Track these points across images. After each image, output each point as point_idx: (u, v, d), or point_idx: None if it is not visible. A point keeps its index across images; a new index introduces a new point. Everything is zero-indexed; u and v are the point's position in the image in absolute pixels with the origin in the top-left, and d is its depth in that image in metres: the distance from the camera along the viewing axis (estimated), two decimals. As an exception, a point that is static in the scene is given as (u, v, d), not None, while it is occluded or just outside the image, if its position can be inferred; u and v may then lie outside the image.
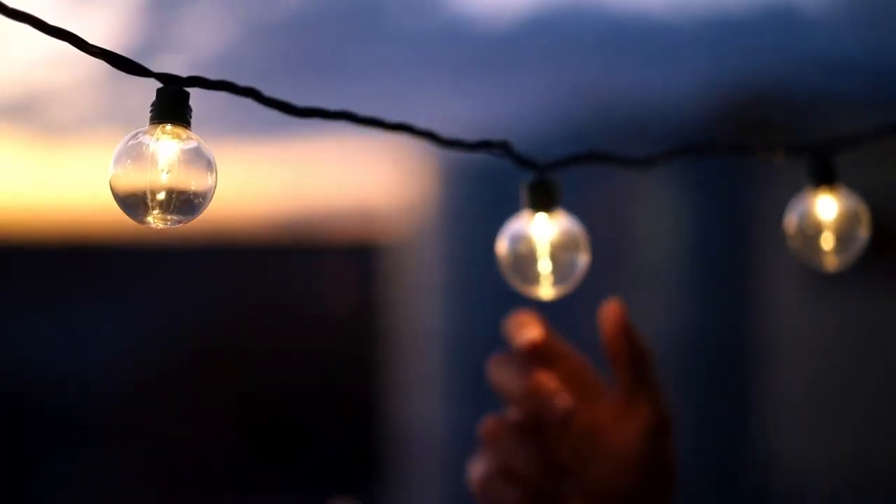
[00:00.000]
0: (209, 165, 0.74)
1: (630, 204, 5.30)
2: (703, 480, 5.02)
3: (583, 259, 0.92)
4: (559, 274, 0.91)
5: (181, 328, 7.32)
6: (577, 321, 5.45)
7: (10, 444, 6.80)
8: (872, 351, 4.99)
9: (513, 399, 0.98)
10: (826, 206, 0.98)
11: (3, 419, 6.91)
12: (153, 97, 0.75)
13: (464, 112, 5.50)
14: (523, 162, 0.90)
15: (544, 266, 0.91)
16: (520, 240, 0.91)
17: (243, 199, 7.19)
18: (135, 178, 0.72)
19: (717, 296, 5.26)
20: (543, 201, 0.90)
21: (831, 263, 0.99)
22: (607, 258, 5.18)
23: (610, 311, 0.98)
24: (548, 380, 0.96)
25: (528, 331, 0.98)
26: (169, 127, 0.74)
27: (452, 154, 5.38)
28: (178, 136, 0.74)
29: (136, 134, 0.73)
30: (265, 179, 7.23)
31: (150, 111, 0.74)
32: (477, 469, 0.99)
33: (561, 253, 0.91)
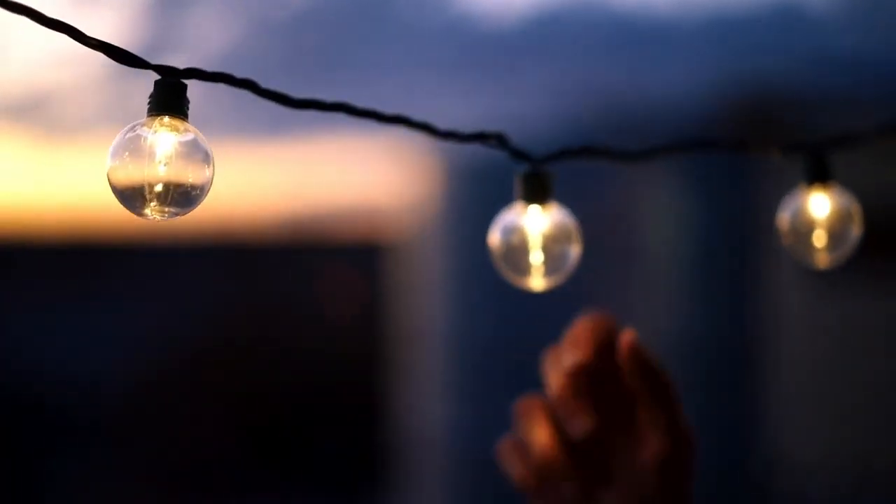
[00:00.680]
0: (206, 157, 0.74)
1: (633, 205, 5.30)
2: (706, 480, 5.02)
3: (575, 251, 0.92)
4: (551, 265, 0.92)
5: (184, 328, 7.32)
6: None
7: (13, 442, 6.81)
8: (873, 350, 4.99)
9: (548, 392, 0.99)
10: (819, 204, 0.98)
11: (4, 418, 6.92)
12: (155, 94, 0.75)
13: (467, 110, 5.50)
14: (518, 154, 0.91)
15: (536, 257, 0.91)
16: (512, 231, 0.91)
17: (247, 198, 7.19)
18: (132, 171, 0.72)
19: (720, 296, 5.26)
20: (537, 193, 0.91)
21: (823, 261, 1.00)
22: (611, 259, 5.18)
23: (626, 341, 0.96)
24: (572, 395, 0.97)
25: (574, 352, 0.98)
26: (167, 119, 0.74)
27: (456, 153, 5.40)
28: (176, 129, 0.74)
29: (134, 126, 0.73)
30: (269, 179, 7.23)
31: (148, 103, 0.74)
32: (503, 440, 1.00)
33: (553, 245, 0.91)
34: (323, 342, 7.39)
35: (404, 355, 5.91)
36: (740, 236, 5.20)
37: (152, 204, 0.72)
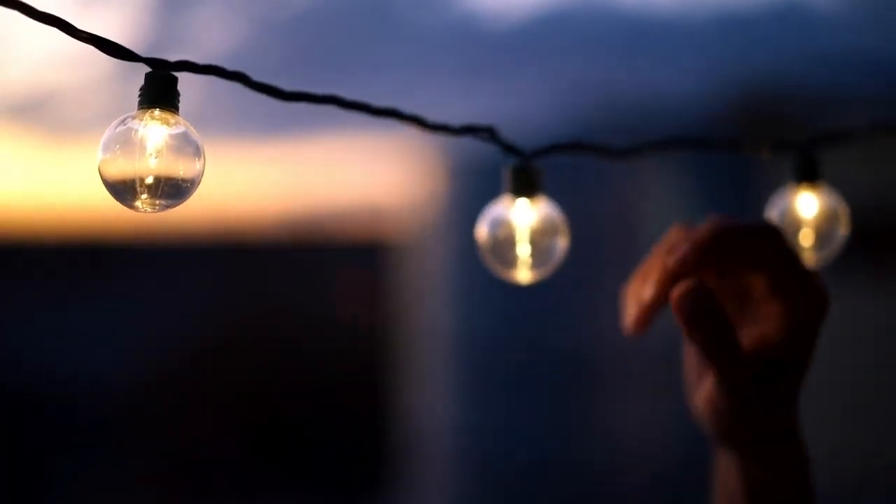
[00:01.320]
0: (197, 150, 0.74)
1: (634, 204, 5.30)
2: (708, 479, 5.02)
3: (562, 244, 0.93)
4: (538, 258, 0.92)
5: (186, 328, 7.33)
6: (582, 320, 5.43)
7: (15, 442, 6.82)
8: (873, 349, 4.99)
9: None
10: (806, 203, 0.98)
11: (8, 417, 6.93)
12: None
13: (472, 109, 5.51)
14: (509, 148, 0.92)
15: (523, 250, 0.92)
16: (500, 224, 0.92)
17: (250, 198, 7.20)
18: (123, 163, 0.73)
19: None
20: (525, 187, 0.91)
21: (810, 260, 1.01)
22: (611, 258, 5.18)
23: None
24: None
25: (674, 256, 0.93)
26: (157, 112, 0.74)
27: (458, 152, 5.39)
28: (167, 122, 0.74)
29: (125, 119, 0.74)
30: (272, 179, 7.24)
31: (139, 96, 0.75)
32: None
33: (540, 238, 0.92)
34: (325, 342, 7.40)
35: (407, 355, 5.91)
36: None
37: (143, 196, 0.73)
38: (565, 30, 6.11)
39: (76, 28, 0.74)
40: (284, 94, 0.81)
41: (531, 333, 5.25)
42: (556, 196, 0.94)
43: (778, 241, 0.86)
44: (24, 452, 6.70)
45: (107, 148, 0.73)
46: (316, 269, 7.70)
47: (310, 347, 7.38)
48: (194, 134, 0.75)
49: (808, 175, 0.95)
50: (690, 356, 0.94)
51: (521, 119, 5.16)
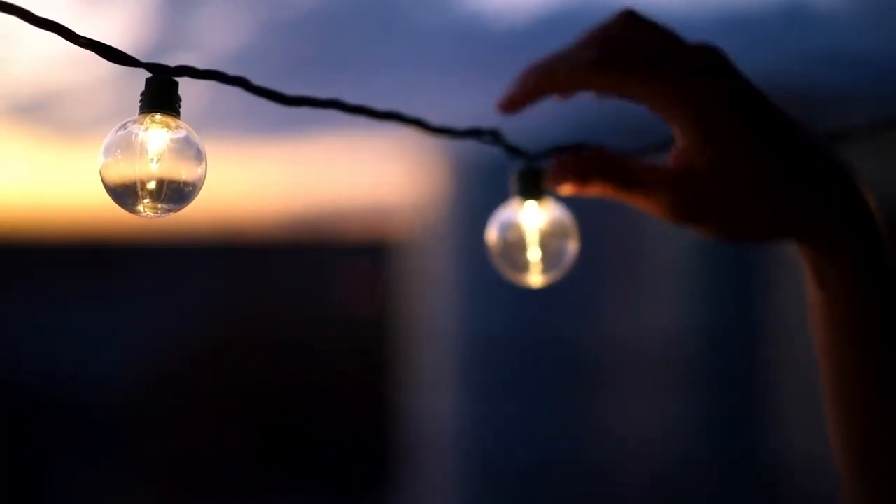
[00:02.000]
0: (199, 154, 0.74)
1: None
2: (713, 478, 5.02)
3: (572, 247, 0.93)
4: (548, 262, 0.92)
5: (190, 327, 7.34)
6: (585, 319, 5.42)
7: (19, 442, 6.82)
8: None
9: None
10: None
11: (11, 417, 6.94)
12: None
13: (477, 109, 5.50)
14: (513, 150, 0.92)
15: (534, 254, 0.92)
16: (509, 228, 0.92)
17: (255, 198, 7.20)
18: (125, 168, 0.73)
19: (726, 293, 5.25)
20: (533, 189, 0.91)
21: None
22: (616, 257, 5.18)
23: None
24: None
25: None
26: (158, 116, 0.74)
27: (464, 151, 5.40)
28: (168, 126, 0.74)
29: (126, 123, 0.74)
30: (277, 178, 7.24)
31: (140, 101, 0.75)
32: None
33: (550, 241, 0.92)
34: (328, 342, 7.40)
35: (412, 353, 5.91)
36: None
37: (145, 201, 0.73)
38: (569, 29, 6.10)
39: (76, 34, 0.73)
40: (286, 98, 0.81)
41: (534, 333, 5.25)
42: (559, 196, 0.94)
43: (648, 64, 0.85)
44: (27, 453, 6.71)
45: (108, 152, 0.73)
46: (319, 269, 7.70)
47: (313, 347, 7.38)
48: (196, 138, 0.75)
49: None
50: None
51: (524, 119, 5.15)
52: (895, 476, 0.88)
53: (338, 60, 6.23)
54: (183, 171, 0.73)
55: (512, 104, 0.90)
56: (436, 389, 5.66)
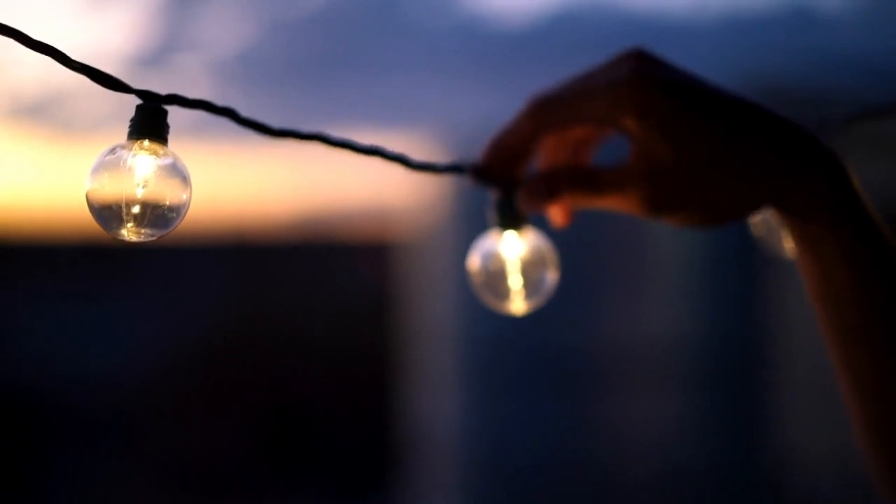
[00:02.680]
0: (184, 181, 0.76)
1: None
2: (717, 478, 5.03)
3: (551, 275, 0.94)
4: (529, 289, 0.94)
5: (194, 327, 7.35)
6: (587, 319, 5.41)
7: (22, 441, 6.84)
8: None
9: None
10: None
11: (14, 417, 6.96)
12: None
13: (481, 110, 5.52)
14: (494, 185, 0.93)
15: (515, 282, 0.93)
16: (490, 258, 0.94)
17: (258, 198, 7.22)
18: (111, 192, 0.74)
19: (729, 295, 5.26)
20: (511, 220, 0.93)
21: (792, 251, 1.02)
22: (618, 260, 5.19)
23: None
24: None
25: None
26: (147, 143, 0.76)
27: (466, 153, 5.40)
28: (156, 153, 0.76)
29: (115, 148, 0.76)
30: (280, 179, 7.25)
31: (129, 127, 0.76)
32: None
33: (530, 269, 0.93)
34: (332, 341, 7.41)
35: (414, 354, 5.92)
36: (749, 236, 5.20)
37: (129, 225, 0.75)
38: (576, 31, 6.11)
39: (69, 58, 0.75)
40: (272, 130, 0.84)
41: (537, 333, 5.26)
42: (541, 220, 0.95)
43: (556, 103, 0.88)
44: (30, 452, 6.73)
45: (95, 176, 0.75)
46: (321, 270, 7.71)
47: (314, 348, 7.40)
48: (182, 165, 0.77)
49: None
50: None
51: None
52: None
53: (340, 61, 6.24)
54: (168, 197, 0.75)
55: (483, 179, 0.94)
56: (438, 391, 5.66)
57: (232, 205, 6.94)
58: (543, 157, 0.95)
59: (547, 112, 0.89)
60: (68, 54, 0.75)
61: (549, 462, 5.25)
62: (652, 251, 5.28)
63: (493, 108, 5.82)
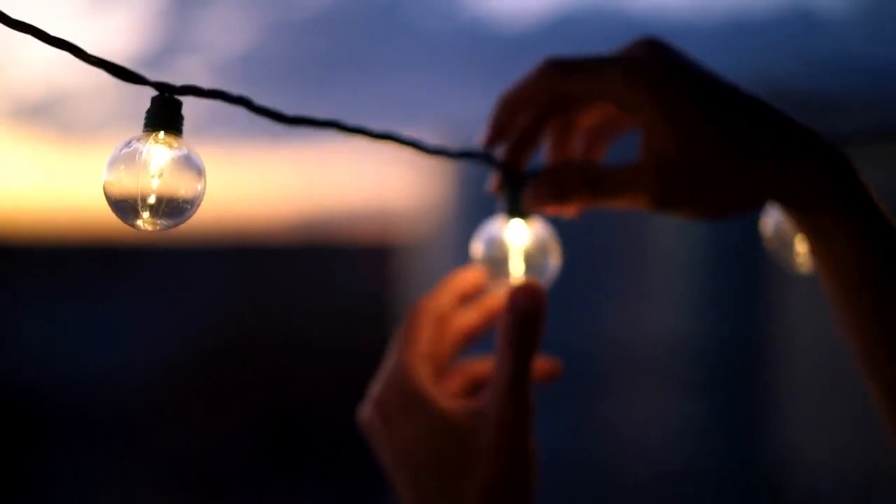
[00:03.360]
0: (199, 173, 0.77)
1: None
2: (717, 479, 5.03)
3: (553, 263, 0.95)
4: (531, 276, 0.95)
5: (197, 327, 7.35)
6: (588, 319, 5.41)
7: (22, 441, 6.84)
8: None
9: None
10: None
11: (16, 416, 6.96)
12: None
13: (482, 112, 5.52)
14: (505, 172, 0.94)
15: (517, 269, 0.94)
16: (494, 244, 0.95)
17: (260, 200, 7.22)
18: (127, 184, 0.76)
19: (729, 295, 5.26)
20: (520, 208, 0.94)
21: (804, 265, 1.02)
22: (618, 260, 5.19)
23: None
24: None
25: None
26: (162, 135, 0.77)
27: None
28: (170, 145, 0.77)
29: (130, 141, 0.77)
30: (281, 181, 7.26)
31: (145, 118, 0.78)
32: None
33: (534, 257, 0.94)
34: (333, 344, 7.41)
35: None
36: (750, 236, 5.21)
37: (144, 215, 0.76)
38: (578, 33, 6.12)
39: (85, 52, 0.76)
40: (286, 118, 0.84)
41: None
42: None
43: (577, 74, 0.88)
44: (30, 452, 6.73)
45: (112, 168, 0.77)
46: (323, 271, 7.71)
47: (316, 349, 7.40)
48: (197, 157, 0.78)
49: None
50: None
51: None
52: None
53: (342, 63, 6.25)
54: (182, 189, 0.76)
55: (492, 139, 0.93)
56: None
57: (232, 206, 6.94)
58: (554, 147, 0.95)
59: (561, 72, 0.89)
60: (85, 49, 0.76)
61: (549, 462, 5.25)
62: (653, 251, 5.29)
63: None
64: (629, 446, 5.20)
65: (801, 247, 1.01)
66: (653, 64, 0.87)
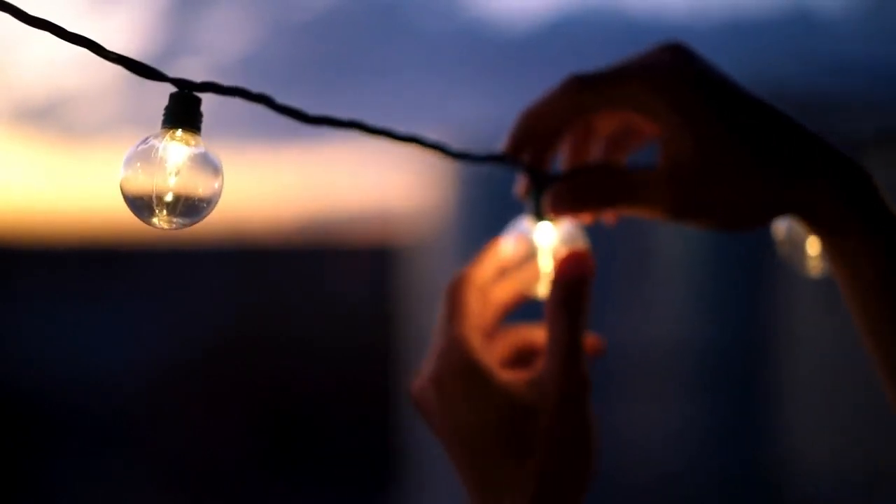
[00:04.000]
0: (216, 171, 0.77)
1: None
2: (718, 481, 5.03)
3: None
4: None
5: (197, 328, 7.35)
6: (589, 325, 5.42)
7: (23, 441, 6.84)
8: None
9: None
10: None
11: (16, 416, 6.95)
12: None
13: (486, 113, 5.53)
14: (529, 174, 0.94)
15: (545, 265, 0.95)
16: (522, 242, 0.95)
17: (262, 201, 7.22)
18: (144, 181, 0.75)
19: (731, 299, 5.26)
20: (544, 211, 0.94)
21: (816, 269, 1.02)
22: (621, 264, 5.19)
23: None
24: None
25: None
26: (179, 132, 0.77)
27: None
28: (188, 142, 0.77)
29: (147, 139, 0.77)
30: (284, 183, 7.25)
31: (163, 115, 0.77)
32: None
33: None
34: (334, 345, 7.41)
35: (416, 358, 5.92)
36: (751, 239, 5.21)
37: (161, 213, 0.76)
38: (578, 35, 6.12)
39: (105, 49, 0.76)
40: (309, 117, 0.83)
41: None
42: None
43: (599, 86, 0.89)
44: (30, 453, 6.73)
45: (128, 165, 0.76)
46: (324, 273, 7.71)
47: (317, 350, 7.40)
48: (214, 155, 0.77)
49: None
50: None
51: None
52: None
53: (344, 64, 6.24)
54: (199, 187, 0.76)
55: (512, 152, 0.93)
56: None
57: (233, 206, 6.94)
58: (572, 154, 0.95)
59: (583, 89, 0.89)
60: (104, 45, 0.76)
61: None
62: (656, 255, 5.29)
63: (496, 112, 5.83)
64: (630, 448, 5.20)
65: (812, 250, 1.01)
66: (673, 71, 0.86)
